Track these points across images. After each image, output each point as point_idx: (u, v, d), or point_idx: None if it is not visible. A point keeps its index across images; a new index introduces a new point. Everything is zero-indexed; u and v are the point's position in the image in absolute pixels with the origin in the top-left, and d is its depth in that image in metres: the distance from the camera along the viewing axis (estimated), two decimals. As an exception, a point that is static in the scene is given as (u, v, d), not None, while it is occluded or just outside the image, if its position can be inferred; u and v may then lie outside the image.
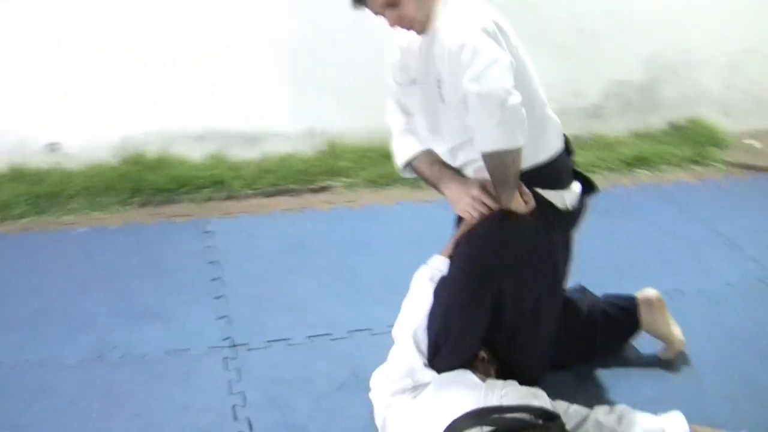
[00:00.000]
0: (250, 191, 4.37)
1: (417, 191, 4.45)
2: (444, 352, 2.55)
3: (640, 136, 5.04)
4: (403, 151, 2.71)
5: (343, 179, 4.51)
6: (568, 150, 2.70)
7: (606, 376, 3.01)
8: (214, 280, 3.57)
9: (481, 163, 2.53)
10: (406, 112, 2.73)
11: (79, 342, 3.16)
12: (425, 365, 2.57)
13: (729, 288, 3.56)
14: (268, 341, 3.19)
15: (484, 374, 2.62)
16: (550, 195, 2.58)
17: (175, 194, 4.27)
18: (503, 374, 2.70)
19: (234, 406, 2.85)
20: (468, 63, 2.28)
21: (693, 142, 4.96)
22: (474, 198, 2.51)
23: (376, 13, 2.46)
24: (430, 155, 2.66)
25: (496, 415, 2.28)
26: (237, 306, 3.40)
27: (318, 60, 4.54)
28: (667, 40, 4.96)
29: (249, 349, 3.14)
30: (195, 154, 4.45)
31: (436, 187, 2.66)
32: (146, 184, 4.26)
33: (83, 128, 4.30)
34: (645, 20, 4.88)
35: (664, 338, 3.05)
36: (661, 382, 2.98)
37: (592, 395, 2.85)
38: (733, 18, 5.01)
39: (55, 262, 3.67)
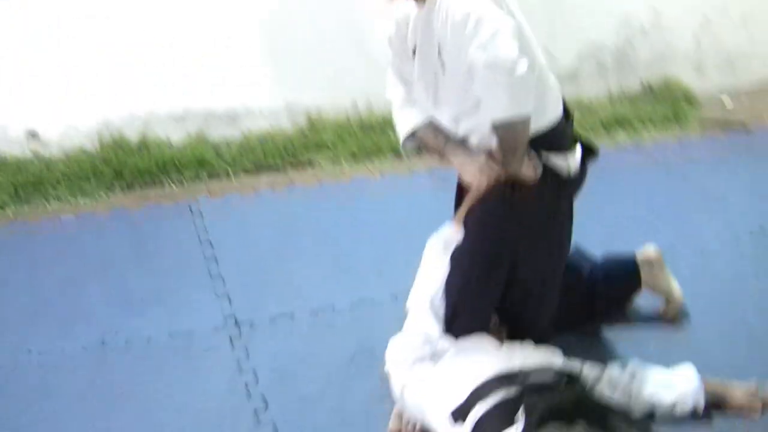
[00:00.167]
0: (233, 170, 4.34)
1: (401, 162, 4.46)
2: (462, 318, 2.58)
3: (616, 97, 5.07)
4: (405, 123, 2.71)
5: (326, 154, 4.49)
6: (567, 113, 2.71)
7: (610, 334, 3.06)
8: (209, 260, 3.55)
9: (484, 131, 2.54)
10: (406, 83, 2.72)
11: (80, 331, 3.13)
12: (442, 333, 2.58)
13: (720, 242, 3.62)
14: (272, 318, 3.19)
15: (497, 338, 2.66)
16: (554, 159, 2.60)
17: (159, 177, 4.22)
18: (512, 337, 2.74)
19: (246, 384, 2.86)
20: (473, 32, 2.27)
21: (668, 102, 5.01)
22: (481, 166, 2.52)
23: None
24: (433, 125, 2.65)
25: (520, 378, 2.31)
26: (235, 285, 3.39)
27: (294, 35, 4.51)
28: (638, 1, 4.99)
29: (253, 327, 3.15)
30: (176, 135, 4.40)
31: (441, 156, 2.66)
32: (128, 168, 4.20)
33: (61, 115, 4.22)
34: (616, -18, 4.93)
35: (665, 295, 3.10)
36: (665, 338, 3.04)
37: (599, 354, 2.89)
38: (702, -24, 5.08)
39: (45, 252, 3.62)
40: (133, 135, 4.33)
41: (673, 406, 2.61)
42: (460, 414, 2.30)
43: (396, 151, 4.50)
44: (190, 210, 3.95)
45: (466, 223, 2.59)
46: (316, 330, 3.13)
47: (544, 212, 2.57)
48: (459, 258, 2.58)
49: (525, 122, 2.36)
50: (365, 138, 4.58)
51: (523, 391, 2.24)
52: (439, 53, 2.47)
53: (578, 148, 2.69)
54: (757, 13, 5.12)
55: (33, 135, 4.22)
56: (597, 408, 2.24)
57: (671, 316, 3.11)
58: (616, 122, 4.82)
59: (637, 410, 2.55)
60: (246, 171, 4.34)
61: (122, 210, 3.96)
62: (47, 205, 4.00)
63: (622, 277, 3.07)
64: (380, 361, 2.84)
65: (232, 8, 4.37)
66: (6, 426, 2.71)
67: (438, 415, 2.41)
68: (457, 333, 2.58)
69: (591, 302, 3.03)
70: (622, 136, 4.75)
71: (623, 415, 2.27)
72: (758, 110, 5.00)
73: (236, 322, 3.16)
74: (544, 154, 2.56)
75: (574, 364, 2.57)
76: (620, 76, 5.12)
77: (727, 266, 3.45)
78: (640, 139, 4.72)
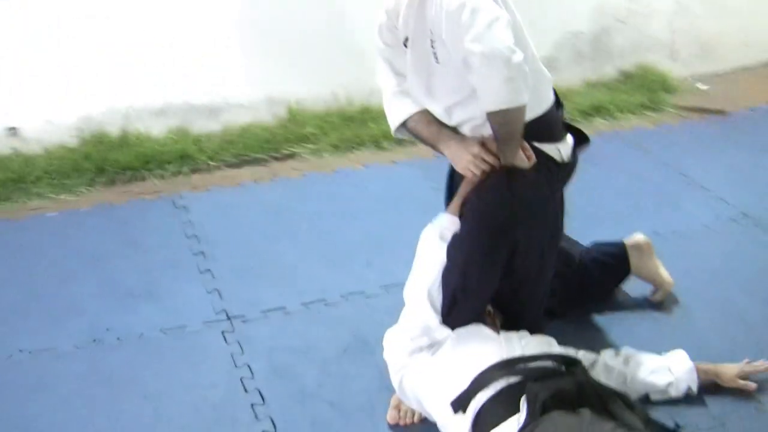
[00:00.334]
0: (215, 163, 4.32)
1: (382, 153, 4.46)
2: (460, 307, 2.59)
3: (594, 85, 5.11)
4: (397, 113, 2.71)
5: (308, 145, 4.48)
6: (558, 102, 2.73)
7: (601, 321, 3.10)
8: (197, 254, 3.53)
9: (477, 121, 2.55)
10: (397, 73, 2.72)
11: (71, 328, 3.10)
12: (440, 323, 2.59)
13: (703, 227, 3.67)
14: (263, 311, 3.19)
15: (492, 327, 2.67)
16: (547, 148, 2.62)
17: (141, 171, 4.19)
18: (505, 325, 2.76)
19: (242, 379, 2.85)
20: (469, 23, 2.28)
21: (645, 89, 5.05)
22: (475, 156, 2.53)
23: None
24: (426, 115, 2.66)
25: (521, 365, 2.33)
26: (225, 279, 3.38)
27: (274, 28, 4.49)
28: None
29: (245, 321, 3.14)
30: (157, 129, 4.37)
31: (434, 146, 2.67)
32: (110, 163, 4.16)
33: (40, 111, 4.18)
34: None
35: (654, 281, 3.14)
36: (655, 323, 3.08)
37: (590, 341, 2.91)
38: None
39: (30, 249, 3.58)
40: (113, 130, 4.30)
41: (667, 388, 2.66)
42: (460, 403, 2.31)
43: (377, 142, 4.51)
44: (174, 204, 3.92)
45: (463, 213, 2.60)
46: (309, 322, 3.13)
47: (539, 200, 2.58)
48: (457, 247, 2.59)
49: (521, 111, 2.38)
50: (346, 129, 4.58)
51: (525, 378, 2.26)
52: (432, 43, 2.48)
53: (570, 137, 2.71)
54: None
55: (12, 131, 4.17)
56: (598, 393, 2.26)
57: (659, 300, 3.15)
58: (594, 109, 4.86)
59: (632, 394, 2.58)
60: (228, 164, 4.32)
61: (105, 205, 3.92)
62: (29, 202, 3.95)
63: (612, 264, 3.11)
64: (375, 351, 2.86)
65: (211, 1, 4.34)
66: (11, 420, 2.69)
67: (438, 404, 2.42)
68: (455, 323, 2.59)
69: (581, 289, 3.07)
70: (600, 123, 4.79)
71: (623, 399, 2.28)
72: (733, 95, 5.06)
73: (228, 317, 3.15)
74: (537, 142, 2.58)
75: (570, 351, 2.59)
76: (597, 64, 5.16)
77: (713, 252, 3.50)
78: (618, 126, 4.76)
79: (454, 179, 2.86)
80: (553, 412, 2.10)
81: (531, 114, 2.54)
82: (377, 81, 2.79)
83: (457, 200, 2.68)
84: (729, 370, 2.72)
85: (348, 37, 4.56)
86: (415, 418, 2.62)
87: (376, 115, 4.58)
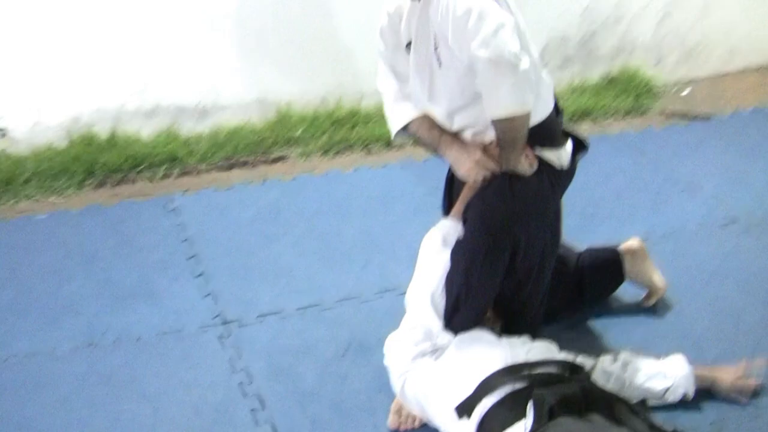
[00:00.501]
0: (205, 166, 4.30)
1: (371, 156, 4.45)
2: (463, 312, 2.60)
3: (579, 89, 5.13)
4: (398, 117, 2.72)
5: (297, 148, 4.47)
6: (557, 108, 2.75)
7: (596, 325, 3.12)
8: (191, 257, 3.52)
9: (479, 126, 2.57)
10: (398, 77, 2.72)
11: (67, 330, 3.10)
12: (443, 328, 2.60)
13: (695, 230, 3.69)
14: (260, 315, 3.19)
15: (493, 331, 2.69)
16: (547, 154, 2.63)
17: (131, 173, 4.18)
18: (504, 330, 2.78)
19: (241, 383, 2.85)
20: (476, 27, 2.29)
21: (629, 93, 5.07)
22: (477, 161, 2.54)
23: None
24: (427, 119, 2.67)
25: (526, 371, 2.34)
26: (219, 282, 3.37)
27: (263, 30, 4.47)
28: (600, -7, 5.08)
29: (242, 325, 3.13)
30: (146, 131, 4.34)
31: (435, 151, 2.68)
32: (100, 164, 4.14)
33: (29, 111, 4.14)
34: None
35: (648, 285, 3.16)
36: (650, 326, 3.11)
37: (586, 344, 2.94)
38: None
39: (22, 251, 3.56)
40: (102, 131, 4.27)
41: (664, 394, 2.68)
42: (465, 408, 2.32)
43: (366, 145, 4.51)
44: (165, 206, 3.90)
45: (467, 218, 2.61)
46: (306, 326, 3.13)
47: (540, 203, 2.61)
48: (461, 252, 2.60)
49: (526, 118, 2.40)
50: (335, 132, 4.57)
51: (531, 384, 2.27)
52: (436, 47, 2.49)
53: (569, 142, 2.73)
54: (713, 4, 5.22)
55: (1, 133, 4.14)
56: (603, 398, 2.28)
57: (654, 305, 3.18)
58: (581, 113, 4.89)
59: (630, 399, 2.60)
60: (218, 166, 4.31)
61: (95, 207, 3.90)
62: (18, 204, 3.92)
63: (607, 268, 3.12)
64: (372, 354, 2.87)
65: (201, 2, 4.32)
66: (10, 422, 2.70)
67: (441, 409, 2.43)
68: (458, 327, 2.60)
69: (577, 292, 3.08)
70: (587, 127, 4.81)
71: (627, 404, 2.31)
72: (717, 99, 5.10)
73: (224, 321, 3.14)
74: (538, 147, 2.60)
75: (569, 356, 2.61)
76: (583, 68, 5.18)
77: (705, 253, 3.51)
78: (604, 130, 4.79)
79: (453, 184, 2.87)
80: (561, 417, 2.12)
81: (532, 120, 2.56)
82: (376, 84, 2.79)
83: (459, 205, 2.69)
84: (726, 375, 2.74)
85: (338, 40, 4.56)
86: (416, 423, 2.63)
87: (366, 119, 4.60)
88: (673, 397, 2.69)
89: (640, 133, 4.70)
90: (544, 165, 2.61)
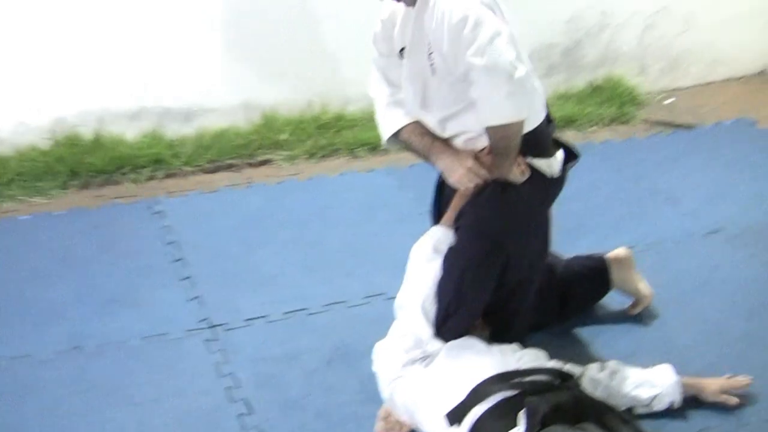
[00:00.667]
0: (189, 168, 4.28)
1: (357, 161, 4.45)
2: (454, 319, 2.60)
3: (564, 97, 5.15)
4: (389, 123, 2.71)
5: (283, 152, 4.46)
6: (549, 117, 2.76)
7: (582, 334, 3.12)
8: (176, 261, 3.50)
9: (471, 134, 2.57)
10: (391, 83, 2.72)
11: (51, 334, 3.07)
12: (433, 335, 2.60)
13: (679, 240, 3.70)
14: (246, 320, 3.17)
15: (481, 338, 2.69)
16: (537, 163, 2.64)
17: (115, 175, 4.15)
18: (493, 336, 2.78)
19: (228, 388, 2.84)
20: (472, 35, 2.30)
21: (614, 102, 5.09)
22: (469, 169, 2.55)
23: None
24: (419, 126, 2.67)
25: (517, 379, 2.35)
26: (205, 286, 3.35)
27: (249, 33, 4.46)
28: (586, 3, 5.08)
29: (228, 330, 3.12)
30: (131, 133, 4.32)
31: (426, 158, 2.68)
32: (84, 166, 4.11)
33: (12, 112, 4.10)
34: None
35: (635, 293, 3.17)
36: (636, 336, 3.11)
37: (573, 353, 2.94)
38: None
39: (4, 252, 3.53)
40: (87, 132, 4.23)
41: (651, 402, 2.69)
42: (456, 415, 2.32)
43: (351, 150, 4.51)
44: (150, 209, 3.88)
45: (459, 226, 2.61)
46: (292, 331, 3.12)
47: (531, 211, 2.62)
48: (452, 259, 2.61)
49: (520, 126, 2.41)
50: (321, 137, 4.56)
51: (523, 392, 2.27)
52: (430, 55, 2.49)
53: (560, 152, 2.74)
54: (697, 15, 5.26)
55: (-17, 134, 4.11)
56: (593, 407, 2.28)
57: (639, 315, 3.19)
58: (566, 122, 4.90)
59: (618, 406, 2.61)
60: (202, 169, 4.29)
61: (79, 209, 3.87)
62: (1, 204, 3.89)
63: (593, 277, 3.13)
64: (359, 360, 2.87)
65: (187, 5, 4.30)
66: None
67: (431, 416, 2.43)
68: (449, 335, 2.61)
69: (563, 301, 3.09)
70: (572, 135, 4.82)
71: (617, 413, 2.31)
72: (700, 109, 5.14)
73: (210, 325, 3.13)
74: (529, 156, 2.60)
75: (559, 364, 2.62)
76: (568, 76, 5.21)
77: (688, 265, 3.52)
78: (588, 138, 4.80)
79: (443, 192, 2.86)
80: (553, 426, 2.12)
81: (526, 127, 2.57)
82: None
83: (450, 213, 2.69)
84: (711, 385, 2.76)
85: (323, 44, 4.55)
86: (404, 431, 2.62)
87: (351, 123, 4.59)
88: (659, 405, 2.70)
89: (622, 142, 4.73)
90: (535, 173, 2.61)
